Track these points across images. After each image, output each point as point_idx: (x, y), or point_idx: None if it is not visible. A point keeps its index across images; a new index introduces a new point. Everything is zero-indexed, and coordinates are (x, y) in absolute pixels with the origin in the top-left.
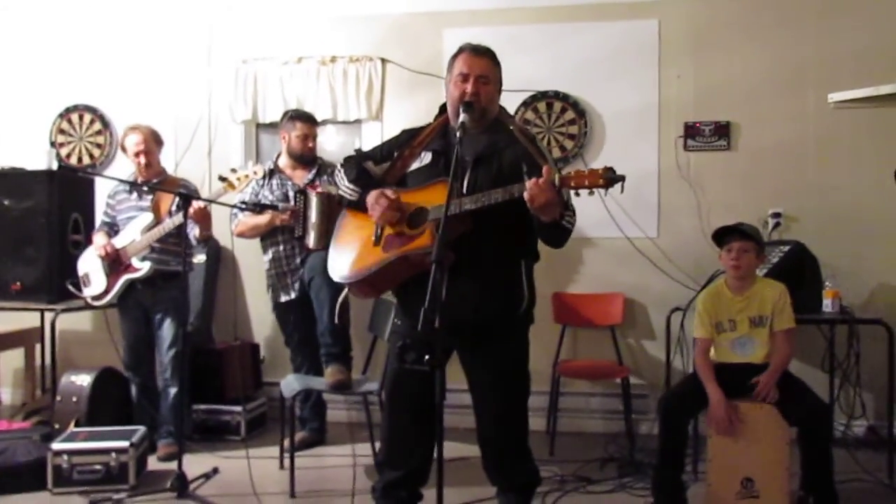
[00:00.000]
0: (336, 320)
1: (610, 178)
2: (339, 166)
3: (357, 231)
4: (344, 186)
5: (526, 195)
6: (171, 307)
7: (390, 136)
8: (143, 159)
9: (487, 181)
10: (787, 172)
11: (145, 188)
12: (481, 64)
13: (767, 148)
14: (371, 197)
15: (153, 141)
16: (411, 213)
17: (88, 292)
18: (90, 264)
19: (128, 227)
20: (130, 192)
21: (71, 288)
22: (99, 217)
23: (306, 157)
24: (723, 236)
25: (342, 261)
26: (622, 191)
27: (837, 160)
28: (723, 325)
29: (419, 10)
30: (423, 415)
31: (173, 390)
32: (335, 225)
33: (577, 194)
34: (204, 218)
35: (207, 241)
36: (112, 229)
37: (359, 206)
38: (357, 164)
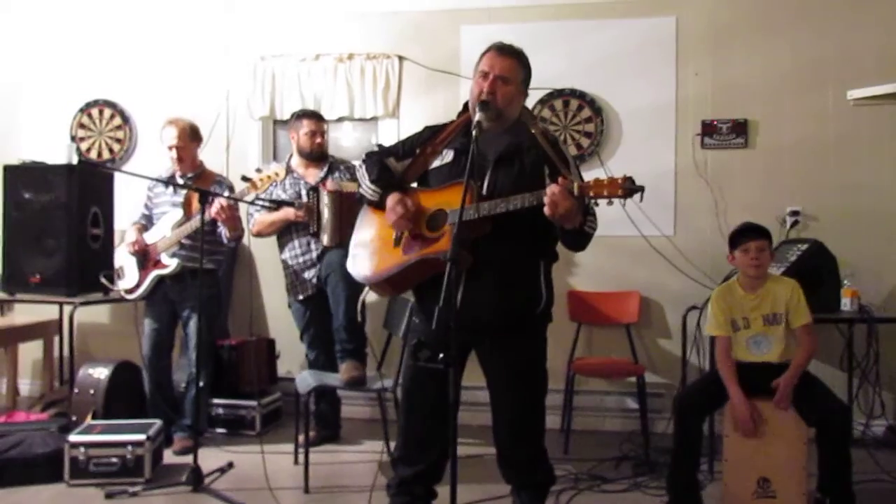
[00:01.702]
0: (359, 318)
1: (629, 189)
2: (360, 162)
3: (378, 230)
4: (366, 186)
5: (546, 206)
6: (200, 304)
7: (411, 133)
8: (174, 153)
9: (508, 183)
10: (805, 170)
11: (176, 184)
12: (503, 64)
13: (786, 146)
14: (390, 201)
15: (188, 136)
16: (431, 215)
17: (122, 285)
18: (125, 258)
19: (159, 222)
20: (166, 185)
21: (104, 280)
22: (119, 210)
23: (315, 154)
24: (737, 236)
25: (362, 260)
26: (641, 199)
27: (856, 158)
28: (737, 323)
29: (437, 8)
30: (438, 412)
31: (199, 385)
32: (354, 222)
33: (597, 203)
34: (228, 218)
35: (239, 240)
36: (150, 222)
37: (380, 206)
38: (378, 161)
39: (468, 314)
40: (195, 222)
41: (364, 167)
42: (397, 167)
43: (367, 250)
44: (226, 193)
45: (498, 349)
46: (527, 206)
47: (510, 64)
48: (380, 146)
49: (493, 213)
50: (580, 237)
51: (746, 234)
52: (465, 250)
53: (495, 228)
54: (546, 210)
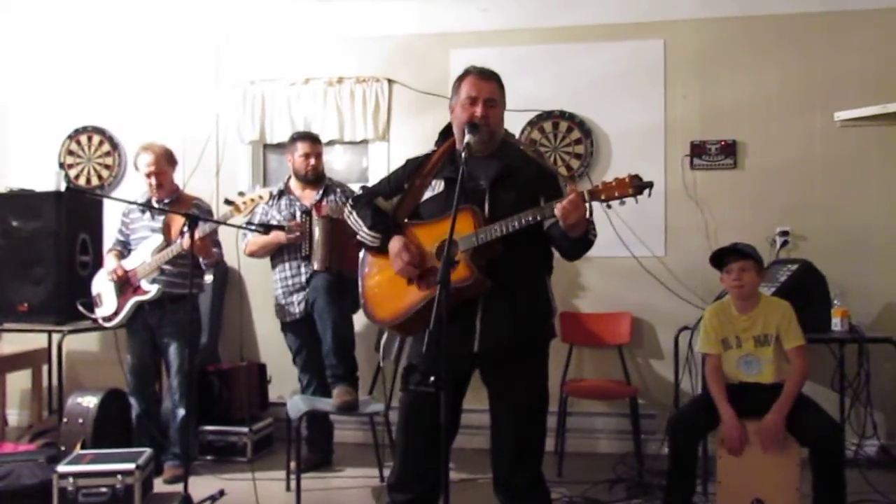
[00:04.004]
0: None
1: (638, 186)
2: (349, 207)
3: (387, 272)
4: (363, 233)
5: (558, 213)
6: (178, 330)
7: (395, 168)
8: (153, 180)
9: (508, 203)
10: (794, 191)
11: (157, 209)
12: (489, 87)
13: (774, 167)
14: (393, 248)
15: (165, 161)
16: (440, 246)
17: (100, 312)
18: (103, 285)
19: (139, 248)
20: (143, 211)
21: (81, 308)
22: (108, 237)
23: (310, 177)
24: (721, 259)
25: (378, 305)
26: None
27: (844, 179)
28: (728, 342)
29: (426, 32)
30: (434, 437)
31: (181, 412)
32: (345, 247)
33: (609, 206)
34: (200, 249)
35: (215, 265)
36: (126, 248)
37: (381, 251)
38: (368, 203)
39: (491, 337)
40: (174, 249)
41: (355, 213)
42: (387, 205)
43: (382, 294)
44: (204, 217)
45: (507, 370)
46: (539, 220)
47: (494, 87)
48: (364, 188)
49: (505, 231)
50: (584, 244)
51: (727, 256)
52: (483, 275)
53: (506, 248)
54: (558, 213)
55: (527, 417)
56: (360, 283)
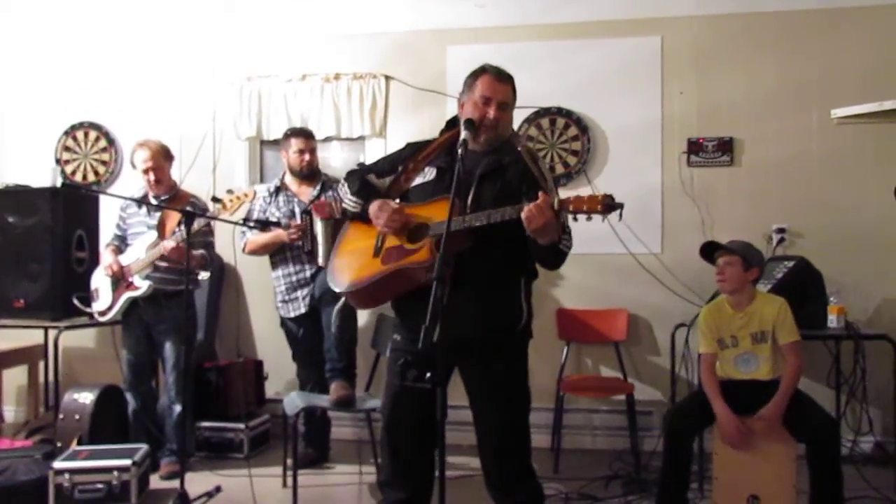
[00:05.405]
0: (333, 329)
1: (608, 205)
2: (342, 180)
3: (358, 242)
4: (347, 199)
5: (523, 217)
6: (174, 326)
7: (394, 150)
8: (151, 176)
9: (490, 198)
10: (790, 188)
11: (152, 204)
12: (504, 90)
13: (771, 164)
14: (374, 206)
15: (162, 157)
16: (412, 228)
17: (96, 307)
18: (100, 280)
19: (134, 243)
20: (140, 206)
21: (77, 303)
22: (104, 233)
23: (305, 172)
24: (706, 254)
25: (341, 271)
26: (620, 218)
27: (841, 176)
28: (725, 341)
29: (423, 28)
30: (424, 433)
31: (177, 409)
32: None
33: (576, 219)
34: (175, 254)
35: (203, 267)
36: (123, 243)
37: (362, 218)
38: (360, 177)
39: (449, 330)
40: (167, 243)
41: (346, 185)
42: (379, 184)
43: (346, 261)
44: (200, 213)
45: (479, 367)
46: (507, 220)
47: (508, 89)
48: (361, 164)
49: (472, 225)
50: (554, 254)
51: (713, 251)
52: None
53: (477, 243)
54: (523, 217)
55: (501, 416)
56: (332, 251)
